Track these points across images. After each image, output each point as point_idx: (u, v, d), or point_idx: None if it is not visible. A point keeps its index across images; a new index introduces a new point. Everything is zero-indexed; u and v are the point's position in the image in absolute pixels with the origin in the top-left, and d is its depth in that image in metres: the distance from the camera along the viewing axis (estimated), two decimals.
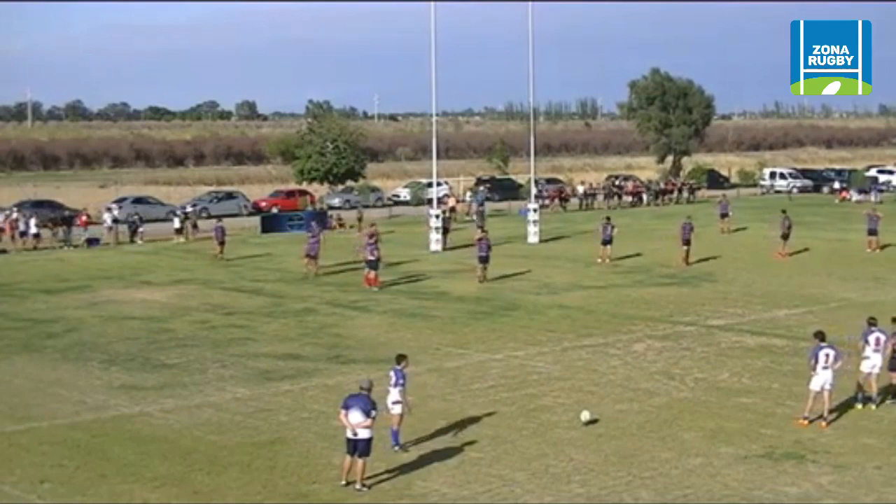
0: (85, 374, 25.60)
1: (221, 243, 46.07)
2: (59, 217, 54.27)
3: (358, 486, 17.51)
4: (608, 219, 46.28)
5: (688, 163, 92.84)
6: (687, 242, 42.62)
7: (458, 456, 19.21)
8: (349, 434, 17.53)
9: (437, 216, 49.57)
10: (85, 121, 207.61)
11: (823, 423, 20.76)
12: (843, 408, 21.95)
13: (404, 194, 78.16)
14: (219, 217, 53.39)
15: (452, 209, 62.21)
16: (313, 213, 61.70)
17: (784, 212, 47.68)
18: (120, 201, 64.20)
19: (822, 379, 20.70)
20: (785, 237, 45.70)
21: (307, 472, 18.42)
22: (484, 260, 38.94)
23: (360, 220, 57.30)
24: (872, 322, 22.40)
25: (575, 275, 40.71)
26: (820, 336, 21.03)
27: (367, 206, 68.92)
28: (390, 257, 42.10)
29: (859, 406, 21.88)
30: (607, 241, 43.88)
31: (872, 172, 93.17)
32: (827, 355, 20.74)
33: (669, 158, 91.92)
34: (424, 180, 74.62)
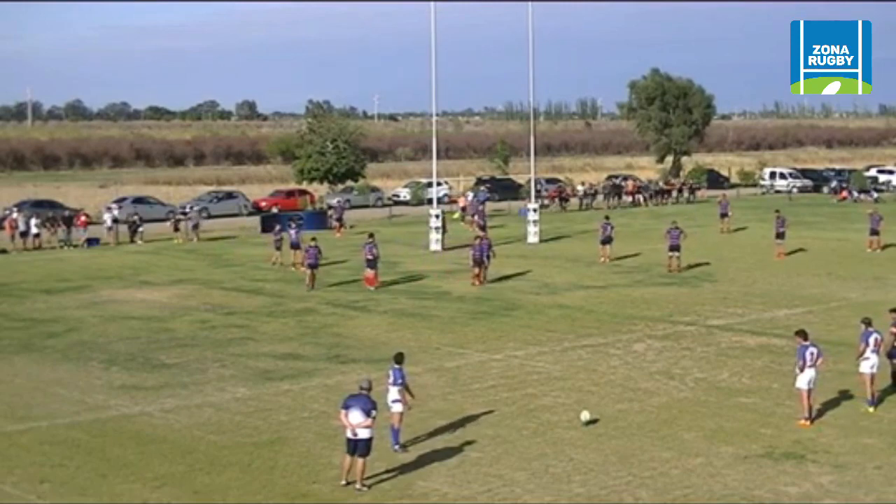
0: (85, 374, 25.60)
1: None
2: (59, 217, 54.22)
3: (358, 485, 17.51)
4: (607, 218, 46.38)
5: (688, 163, 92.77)
6: (675, 248, 40.93)
7: (458, 456, 19.21)
8: (349, 434, 17.54)
9: (437, 216, 49.53)
10: (85, 121, 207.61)
11: (808, 422, 20.79)
12: (844, 408, 21.98)
13: (404, 194, 78.13)
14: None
15: (464, 208, 61.94)
16: (313, 213, 61.93)
17: (777, 211, 47.73)
18: (120, 201, 64.08)
19: (807, 377, 20.82)
20: (780, 236, 45.71)
21: (307, 472, 18.43)
22: (484, 260, 38.81)
23: (339, 220, 57.21)
24: (868, 322, 22.42)
25: (575, 275, 40.70)
26: (804, 335, 21.13)
27: (355, 207, 69.09)
28: (390, 257, 42.07)
29: (871, 409, 21.83)
30: (606, 241, 43.89)
31: (872, 172, 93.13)
32: (812, 354, 20.85)
33: (669, 158, 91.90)
34: (424, 180, 74.59)
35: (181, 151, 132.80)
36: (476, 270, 38.23)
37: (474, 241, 39.76)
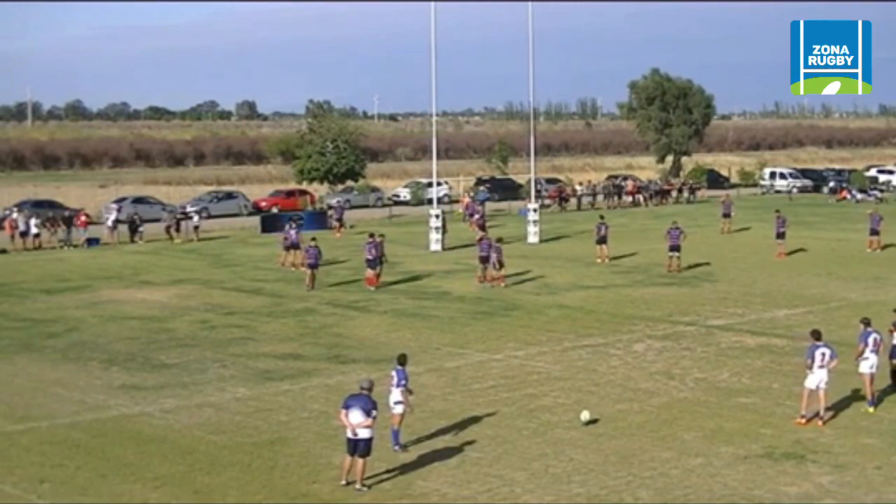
0: (85, 374, 25.60)
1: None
2: (59, 217, 54.21)
3: (358, 485, 17.52)
4: (602, 217, 46.44)
5: (688, 163, 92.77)
6: (675, 249, 40.81)
7: (458, 456, 19.22)
8: (349, 434, 17.54)
9: (437, 216, 49.51)
10: (85, 121, 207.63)
11: (820, 423, 20.79)
12: (844, 408, 21.97)
13: (404, 194, 78.12)
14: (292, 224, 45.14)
15: (467, 207, 61.94)
16: (313, 213, 61.94)
17: (778, 211, 47.73)
18: (120, 201, 64.08)
19: (817, 378, 20.78)
20: (780, 236, 45.71)
21: (307, 472, 18.43)
22: (485, 260, 38.82)
23: (339, 220, 57.21)
24: (867, 323, 22.42)
25: (575, 275, 40.70)
26: (816, 335, 21.11)
27: (354, 207, 69.12)
28: (390, 257, 42.04)
29: (871, 409, 21.82)
30: (601, 241, 43.87)
31: (872, 172, 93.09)
32: (823, 354, 20.81)
33: (669, 158, 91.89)
34: (424, 180, 74.59)
35: (181, 151, 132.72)
36: (496, 272, 38.00)
37: (479, 241, 39.83)
